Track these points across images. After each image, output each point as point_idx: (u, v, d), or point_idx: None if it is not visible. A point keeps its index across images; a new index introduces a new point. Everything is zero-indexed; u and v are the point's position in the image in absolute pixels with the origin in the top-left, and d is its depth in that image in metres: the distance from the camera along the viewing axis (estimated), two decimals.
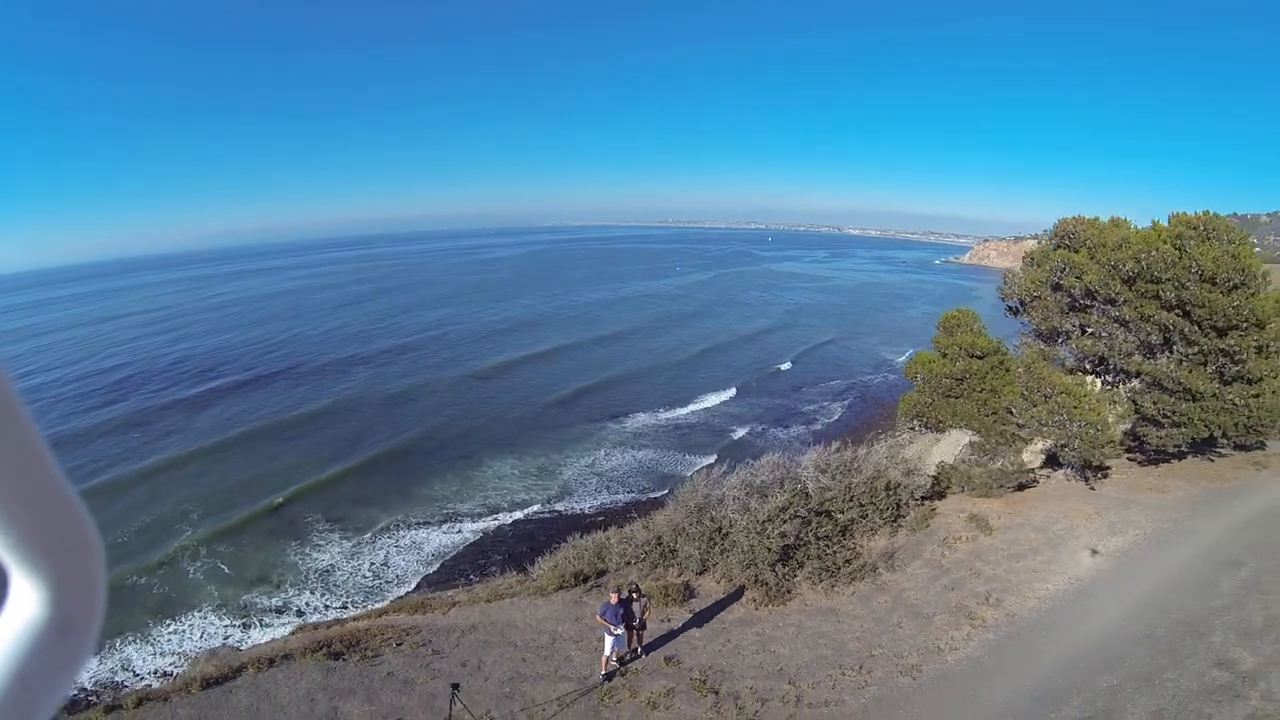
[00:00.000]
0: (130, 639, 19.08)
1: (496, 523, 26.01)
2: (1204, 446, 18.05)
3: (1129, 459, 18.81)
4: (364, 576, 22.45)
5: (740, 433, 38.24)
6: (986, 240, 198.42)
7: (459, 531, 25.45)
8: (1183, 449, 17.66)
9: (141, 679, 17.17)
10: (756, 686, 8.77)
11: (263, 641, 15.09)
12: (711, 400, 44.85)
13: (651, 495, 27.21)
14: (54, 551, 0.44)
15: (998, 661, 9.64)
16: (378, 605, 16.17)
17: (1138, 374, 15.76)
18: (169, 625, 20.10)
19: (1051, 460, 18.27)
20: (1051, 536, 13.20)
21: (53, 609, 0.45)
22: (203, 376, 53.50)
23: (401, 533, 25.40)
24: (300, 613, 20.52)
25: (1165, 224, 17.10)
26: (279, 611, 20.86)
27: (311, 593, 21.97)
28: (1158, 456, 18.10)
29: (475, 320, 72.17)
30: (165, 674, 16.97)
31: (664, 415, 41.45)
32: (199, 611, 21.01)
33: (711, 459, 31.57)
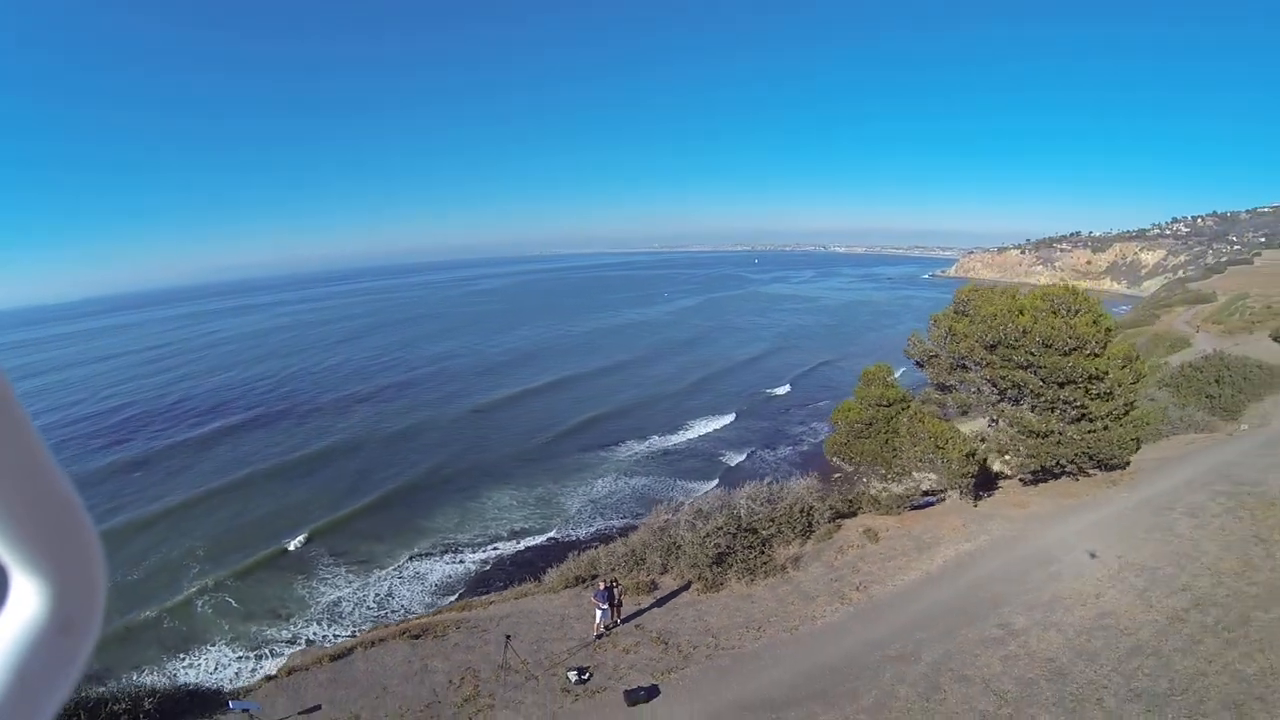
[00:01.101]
0: (148, 673, 22.66)
1: (497, 552, 30.51)
2: (1073, 468, 24.24)
3: (1020, 480, 25.02)
4: (369, 608, 26.38)
5: (730, 457, 43.21)
6: (971, 252, 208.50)
7: (461, 562, 30.10)
8: (1066, 469, 23.82)
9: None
10: (692, 639, 14.92)
11: (346, 634, 21.17)
12: (705, 427, 50.15)
13: (644, 520, 32.37)
14: (54, 552, 0.46)
15: (852, 625, 15.75)
16: (433, 609, 22.15)
17: (999, 418, 22.06)
18: (183, 660, 23.99)
19: None
20: (920, 544, 19.36)
21: (53, 609, 0.47)
22: (206, 416, 58.62)
23: (406, 565, 29.33)
24: (310, 642, 23.86)
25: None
26: (290, 643, 24.73)
27: (319, 624, 26.17)
28: (1038, 478, 24.27)
29: (473, 353, 77.94)
30: None
31: (659, 444, 46.68)
32: (212, 645, 25.30)
33: (706, 485, 36.56)
